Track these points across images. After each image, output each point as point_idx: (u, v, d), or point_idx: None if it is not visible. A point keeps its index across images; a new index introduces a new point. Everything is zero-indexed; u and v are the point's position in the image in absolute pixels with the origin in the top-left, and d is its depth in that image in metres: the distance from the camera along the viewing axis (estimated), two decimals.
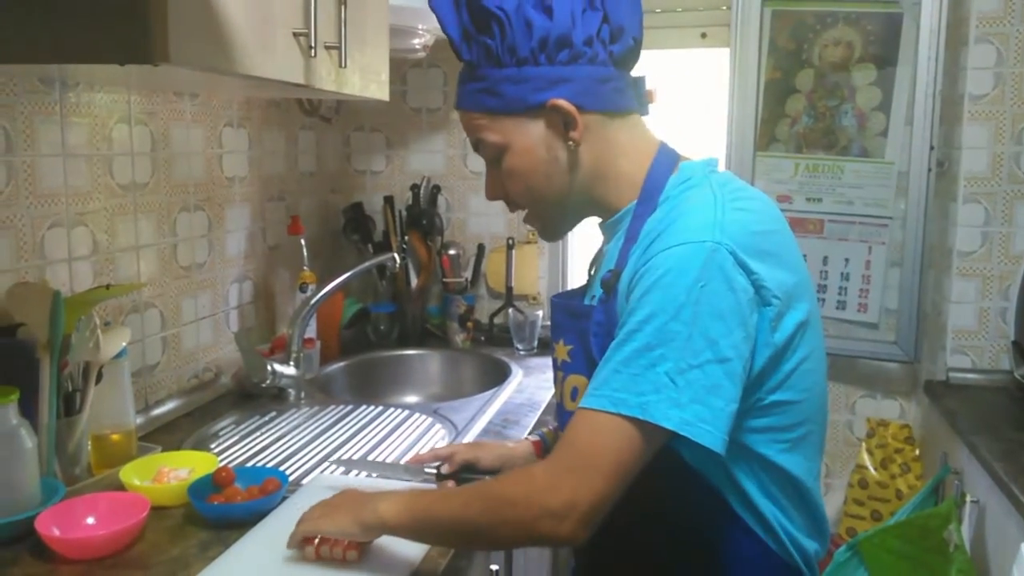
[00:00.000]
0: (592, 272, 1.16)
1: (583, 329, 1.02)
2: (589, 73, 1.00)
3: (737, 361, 0.89)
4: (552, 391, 1.80)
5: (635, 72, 1.07)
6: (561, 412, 1.10)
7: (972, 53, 2.01)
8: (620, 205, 1.05)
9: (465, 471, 1.28)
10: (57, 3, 0.96)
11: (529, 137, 1.02)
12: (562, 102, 0.99)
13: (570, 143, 1.01)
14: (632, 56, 1.04)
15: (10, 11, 0.96)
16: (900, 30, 2.17)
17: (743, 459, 0.95)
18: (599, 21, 0.99)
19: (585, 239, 2.24)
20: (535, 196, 1.06)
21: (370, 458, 1.48)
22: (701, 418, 0.87)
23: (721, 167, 1.05)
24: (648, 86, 1.08)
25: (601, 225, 1.10)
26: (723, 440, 0.88)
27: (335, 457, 1.48)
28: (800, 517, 1.00)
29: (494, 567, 1.33)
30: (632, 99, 1.05)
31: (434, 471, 1.29)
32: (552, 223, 1.11)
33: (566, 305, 1.10)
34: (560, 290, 2.40)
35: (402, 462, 1.36)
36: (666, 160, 1.04)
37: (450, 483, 1.26)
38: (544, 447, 1.32)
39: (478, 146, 1.06)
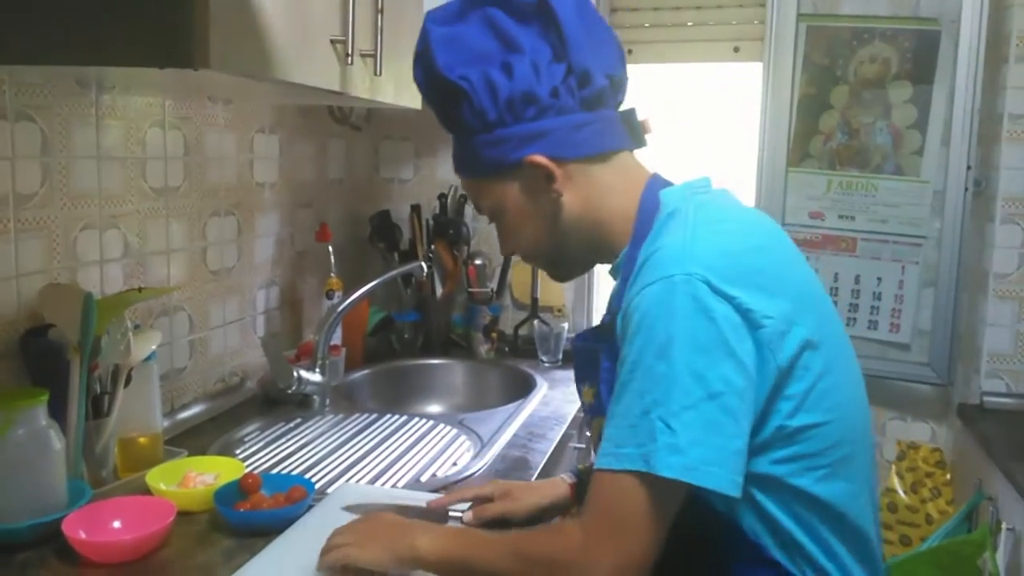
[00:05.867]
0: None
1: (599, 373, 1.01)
2: (561, 123, 0.99)
3: (730, 395, 0.85)
4: (577, 404, 1.78)
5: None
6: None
7: (1012, 72, 1.98)
8: (622, 246, 1.03)
9: (495, 525, 1.19)
10: (99, 6, 0.96)
11: (516, 195, 1.03)
12: (538, 158, 0.99)
13: (553, 195, 1.01)
14: (608, 95, 1.02)
15: (52, 13, 0.97)
16: (938, 48, 2.14)
17: (776, 494, 0.91)
18: (563, 71, 0.98)
19: None
20: (536, 248, 1.08)
21: (396, 474, 1.46)
22: (705, 461, 0.83)
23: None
24: (641, 116, 1.06)
25: (610, 271, 1.08)
26: (734, 481, 0.84)
27: (356, 474, 1.46)
28: (845, 545, 0.95)
29: None
30: (618, 137, 1.03)
31: (459, 515, 1.20)
32: (560, 269, 1.13)
33: (585, 348, 1.08)
34: (585, 303, 2.39)
35: (427, 503, 1.24)
36: (654, 193, 1.02)
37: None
38: (579, 488, 1.25)
39: (479, 208, 1.09)
